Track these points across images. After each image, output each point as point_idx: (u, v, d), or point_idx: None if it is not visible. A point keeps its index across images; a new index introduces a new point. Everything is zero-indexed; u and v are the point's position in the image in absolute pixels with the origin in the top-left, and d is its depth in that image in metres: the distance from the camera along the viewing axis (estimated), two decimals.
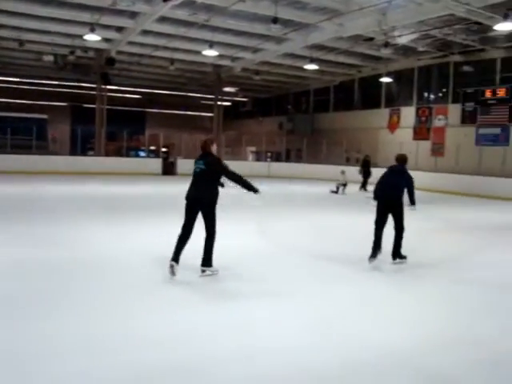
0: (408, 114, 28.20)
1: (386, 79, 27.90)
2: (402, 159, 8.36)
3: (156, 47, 24.93)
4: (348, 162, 28.73)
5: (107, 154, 30.40)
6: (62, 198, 16.16)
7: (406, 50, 24.72)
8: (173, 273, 6.40)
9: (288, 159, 34.68)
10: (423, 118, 27.28)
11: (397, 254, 7.99)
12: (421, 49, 23.77)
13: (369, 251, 7.68)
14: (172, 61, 26.84)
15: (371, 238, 7.72)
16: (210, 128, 36.08)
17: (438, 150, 26.26)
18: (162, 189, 20.99)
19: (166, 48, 24.81)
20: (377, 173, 19.82)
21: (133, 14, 19.98)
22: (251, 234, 10.23)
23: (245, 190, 7.00)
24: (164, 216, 12.29)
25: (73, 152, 32.10)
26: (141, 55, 27.19)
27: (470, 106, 24.68)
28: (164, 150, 32.12)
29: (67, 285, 6.14)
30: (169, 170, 29.03)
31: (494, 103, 23.52)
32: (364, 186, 21.80)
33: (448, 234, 11.53)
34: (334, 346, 4.61)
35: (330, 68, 29.15)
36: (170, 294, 6.00)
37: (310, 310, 5.60)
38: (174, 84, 36.62)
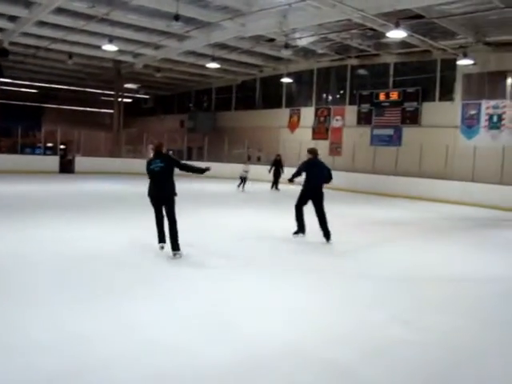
0: (307, 114, 29.02)
1: (286, 80, 28.49)
2: (316, 152, 10.70)
3: (53, 40, 23.97)
4: (249, 160, 29.08)
5: (0, 151, 28.91)
6: None
7: (306, 52, 25.43)
8: (162, 248, 8.00)
9: (190, 157, 34.56)
10: (322, 119, 28.17)
11: (327, 234, 9.80)
12: (320, 51, 24.55)
13: (250, 250, 8.45)
14: (70, 55, 25.95)
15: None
16: (110, 125, 35.22)
17: (335, 149, 27.22)
18: (59, 187, 20.26)
19: (64, 41, 23.92)
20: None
21: (27, 3, 19.03)
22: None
23: (197, 174, 8.58)
24: (62, 216, 11.95)
25: None
26: (37, 47, 26.02)
27: (365, 107, 25.78)
28: (62, 147, 30.99)
29: None
30: (66, 167, 28.05)
31: (388, 105, 24.71)
32: (275, 184, 22.16)
33: (341, 229, 11.96)
34: (230, 341, 4.70)
35: (232, 67, 29.38)
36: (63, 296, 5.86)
37: (197, 306, 5.67)
38: (72, 79, 35.40)
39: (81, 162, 28.24)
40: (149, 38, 23.12)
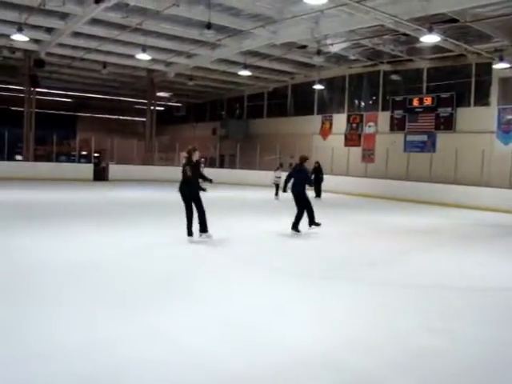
0: (340, 120, 28.86)
1: (318, 86, 28.41)
2: (304, 159, 11.79)
3: (88, 50, 24.40)
4: (282, 166, 29.01)
5: (36, 159, 29.48)
6: None
7: (338, 58, 25.32)
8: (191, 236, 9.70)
9: (222, 165, 34.69)
10: (354, 125, 27.99)
11: (312, 222, 11.70)
12: (352, 57, 24.40)
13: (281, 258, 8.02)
14: (104, 64, 26.36)
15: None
16: (142, 133, 35.60)
17: (368, 156, 26.99)
18: (93, 195, 20.52)
19: (98, 51, 24.33)
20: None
21: (63, 15, 19.47)
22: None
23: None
24: (94, 222, 12.09)
25: None
26: (72, 58, 26.54)
27: (398, 113, 25.50)
28: (96, 155, 31.45)
29: None
30: (100, 175, 28.42)
31: (421, 111, 24.40)
32: (319, 193, 21.80)
33: (374, 237, 11.83)
34: (256, 348, 4.64)
35: (263, 74, 29.43)
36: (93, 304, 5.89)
37: (234, 314, 5.64)
38: (106, 88, 35.97)
39: (114, 169, 28.57)
40: (181, 46, 23.33)
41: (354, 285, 7.13)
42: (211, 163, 34.88)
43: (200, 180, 10.15)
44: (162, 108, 42.07)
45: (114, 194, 20.68)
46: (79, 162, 30.73)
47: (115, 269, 7.43)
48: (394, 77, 26.06)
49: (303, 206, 11.49)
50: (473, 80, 22.69)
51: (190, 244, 9.65)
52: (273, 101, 34.24)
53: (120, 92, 37.17)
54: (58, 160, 30.74)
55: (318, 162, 22.61)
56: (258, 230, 12.26)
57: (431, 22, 15.99)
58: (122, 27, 20.06)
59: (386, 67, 25.83)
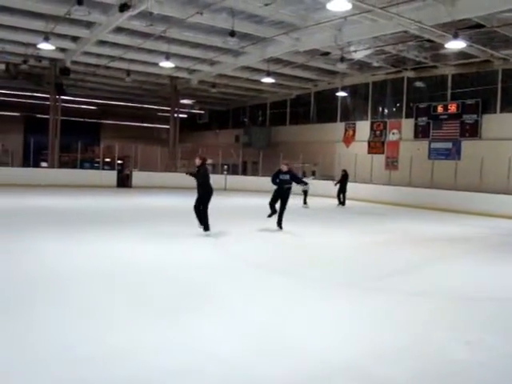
0: (363, 127, 28.69)
1: (341, 93, 28.31)
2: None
3: (112, 58, 24.65)
4: (304, 175, 28.91)
5: (61, 166, 29.83)
6: (12, 210, 15.74)
7: (361, 65, 25.20)
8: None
9: (244, 172, 34.70)
10: (378, 132, 27.80)
11: (279, 222, 12.90)
12: (375, 64, 24.25)
13: (323, 268, 7.86)
14: (128, 72, 26.59)
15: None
16: (166, 140, 35.78)
17: (392, 163, 26.76)
18: (116, 201, 20.66)
19: (122, 59, 24.56)
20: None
21: (88, 24, 19.69)
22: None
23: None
24: (118, 229, 12.14)
25: (25, 163, 31.38)
26: (97, 66, 26.84)
27: (422, 120, 25.26)
28: (119, 162, 31.71)
29: (15, 297, 5.94)
30: (124, 182, 28.65)
31: (446, 118, 24.14)
32: (343, 201, 21.60)
33: (399, 246, 11.67)
34: (283, 357, 4.58)
35: (286, 82, 29.41)
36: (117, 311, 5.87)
37: (260, 322, 5.57)
38: (130, 95, 36.29)
39: (138, 176, 28.77)
40: (204, 54, 23.43)
41: (382, 294, 7.02)
42: (234, 170, 34.91)
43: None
44: (185, 115, 42.30)
45: (137, 201, 20.79)
46: (103, 168, 31.00)
47: (138, 277, 7.41)
48: (418, 83, 25.85)
49: (284, 203, 12.98)
50: (499, 86, 22.38)
51: (214, 252, 9.65)
52: (296, 108, 34.20)
53: (143, 99, 37.48)
54: (82, 167, 31.07)
55: (345, 170, 22.33)
56: (283, 237, 12.21)
57: (456, 28, 15.81)
58: (145, 35, 20.21)
59: (409, 74, 25.61)
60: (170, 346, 4.67)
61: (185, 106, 38.29)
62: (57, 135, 29.39)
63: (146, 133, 43.10)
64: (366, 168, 26.27)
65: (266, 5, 16.22)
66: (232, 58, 24.23)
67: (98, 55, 24.55)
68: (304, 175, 22.13)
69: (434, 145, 24.73)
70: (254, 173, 33.09)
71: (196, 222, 11.46)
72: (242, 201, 23.34)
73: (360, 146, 28.40)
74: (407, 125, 26.23)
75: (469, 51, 19.97)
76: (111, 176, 28.75)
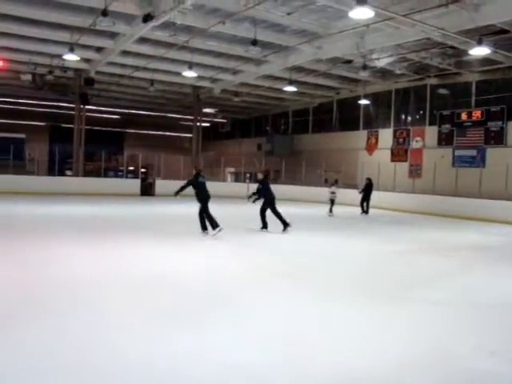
0: (386, 135, 28.53)
1: (363, 101, 28.21)
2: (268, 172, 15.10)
3: (136, 68, 24.92)
4: (326, 182, 28.84)
5: (86, 174, 30.18)
6: (38, 218, 15.96)
7: (384, 73, 25.11)
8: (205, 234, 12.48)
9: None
10: (401, 140, 27.62)
11: (285, 224, 13.84)
12: (398, 72, 24.12)
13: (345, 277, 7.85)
14: (152, 82, 26.83)
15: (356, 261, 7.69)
16: (189, 149, 36.02)
17: (415, 171, 26.54)
18: (140, 209, 20.83)
19: (145, 69, 24.80)
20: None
21: (113, 35, 19.98)
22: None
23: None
24: (141, 237, 12.23)
25: (51, 172, 31.80)
26: (120, 76, 27.16)
27: (446, 128, 25.03)
28: (143, 170, 31.97)
29: (45, 305, 6.02)
30: (147, 190, 28.88)
31: (470, 125, 23.89)
32: (364, 208, 21.49)
33: (422, 254, 11.55)
34: (307, 366, 4.56)
35: (308, 90, 29.41)
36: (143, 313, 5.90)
37: (285, 331, 5.56)
38: (153, 104, 36.62)
39: (161, 184, 28.96)
40: (227, 63, 23.56)
41: (404, 303, 6.96)
42: (256, 179, 34.89)
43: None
44: (208, 124, 42.52)
45: (160, 209, 20.90)
46: (126, 177, 31.30)
47: (162, 284, 7.45)
48: (442, 90, 25.64)
49: (273, 210, 13.97)
50: None
51: (238, 259, 9.68)
52: (318, 116, 34.14)
53: (166, 108, 37.74)
54: (106, 175, 31.42)
55: (369, 179, 22.07)
56: (306, 246, 12.18)
57: (480, 34, 15.68)
58: (169, 45, 20.41)
59: (433, 81, 25.44)
60: (191, 356, 4.68)
61: (207, 114, 38.49)
62: (81, 144, 29.76)
63: (169, 142, 43.41)
64: (389, 176, 26.09)
65: (289, 14, 16.30)
66: (254, 66, 24.33)
67: (122, 65, 24.85)
68: (326, 182, 21.95)
69: (458, 152, 24.47)
70: (277, 181, 33.04)
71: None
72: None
73: (383, 154, 28.24)
74: (430, 132, 26.01)
75: (493, 57, 19.77)
76: (135, 184, 29.03)
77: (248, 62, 23.12)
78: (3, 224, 14.05)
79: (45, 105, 36.41)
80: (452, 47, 18.82)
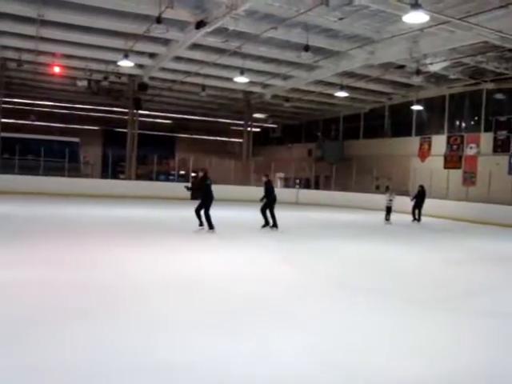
0: (439, 142, 27.94)
1: (416, 107, 27.74)
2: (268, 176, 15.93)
3: (188, 73, 25.25)
4: (377, 189, 28.48)
5: (137, 178, 30.74)
6: (94, 220, 16.34)
7: (438, 78, 24.62)
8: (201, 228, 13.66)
9: (317, 186, 34.51)
10: (455, 147, 26.99)
11: (275, 225, 14.83)
12: (452, 76, 23.60)
13: (405, 286, 8.11)
14: (203, 87, 27.13)
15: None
16: (239, 154, 36.23)
17: (469, 178, 25.87)
18: (189, 213, 20.99)
19: (197, 74, 25.09)
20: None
21: (166, 41, 20.31)
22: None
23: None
24: (190, 241, 12.34)
25: (104, 175, 32.57)
26: (173, 81, 27.58)
27: (502, 134, 24.33)
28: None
29: (110, 304, 6.13)
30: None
31: None
32: (419, 217, 20.99)
33: (475, 264, 11.24)
34: (352, 376, 4.48)
35: (360, 95, 29.15)
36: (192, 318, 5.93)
37: (334, 340, 5.48)
38: (204, 110, 36.99)
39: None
40: (278, 68, 23.59)
41: (453, 314, 6.74)
42: (306, 185, 34.82)
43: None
44: (259, 129, 42.65)
45: (211, 213, 20.98)
46: (177, 181, 31.71)
47: (214, 288, 7.45)
48: (498, 96, 24.90)
49: (272, 210, 14.86)
50: None
51: (290, 265, 9.64)
52: (369, 122, 33.76)
53: (217, 113, 38.06)
54: (157, 179, 31.91)
55: (422, 186, 21.49)
56: (354, 252, 12.04)
57: None
58: (221, 51, 20.60)
59: (489, 86, 24.76)
60: (245, 359, 4.67)
61: (258, 120, 38.62)
62: (134, 148, 30.35)
63: (220, 146, 43.75)
64: (442, 183, 25.51)
65: (341, 19, 16.17)
66: (305, 72, 24.28)
67: (174, 71, 25.22)
68: (387, 189, 21.53)
69: None
70: (327, 187, 32.86)
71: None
72: (315, 215, 23.21)
73: (436, 161, 27.64)
74: (486, 139, 25.33)
75: None
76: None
77: (299, 67, 23.09)
78: (60, 226, 14.43)
79: (99, 109, 37.33)
80: (510, 50, 18.29)
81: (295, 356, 4.82)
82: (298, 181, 35.32)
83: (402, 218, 21.18)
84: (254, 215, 16.20)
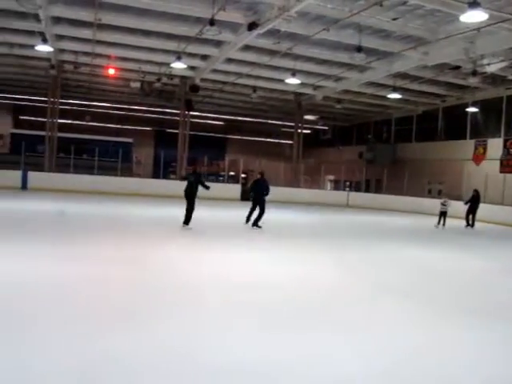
0: (495, 145, 27.10)
1: (471, 109, 27.03)
2: (263, 173, 15.89)
3: (239, 75, 25.37)
4: (430, 193, 27.90)
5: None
6: (150, 220, 16.76)
7: (495, 79, 23.89)
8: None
9: (368, 189, 34.06)
10: None
11: (256, 223, 14.81)
12: (511, 77, 22.89)
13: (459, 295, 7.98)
14: (254, 88, 27.19)
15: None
16: (289, 155, 36.15)
17: None
18: (240, 213, 21.07)
19: (248, 76, 25.19)
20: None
21: (218, 43, 20.47)
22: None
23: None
24: (239, 243, 12.36)
25: (155, 175, 33.06)
26: (224, 83, 27.76)
27: None
28: (243, 175, 32.46)
29: (153, 304, 6.18)
30: (247, 195, 29.17)
31: None
32: (469, 221, 20.31)
33: None
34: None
35: (413, 97, 28.63)
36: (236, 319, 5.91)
37: (378, 349, 5.36)
38: (255, 111, 37.08)
39: None
40: (330, 70, 23.43)
41: (488, 319, 6.53)
42: (356, 187, 34.42)
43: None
44: (309, 131, 42.45)
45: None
46: (227, 182, 31.91)
47: (262, 289, 7.44)
48: None
49: (261, 209, 14.84)
50: None
51: (339, 269, 9.53)
52: (422, 124, 33.07)
53: (268, 115, 38.09)
54: (208, 180, 32.12)
55: (476, 191, 20.77)
56: (406, 258, 11.81)
57: None
58: (272, 52, 20.60)
59: None
60: (293, 364, 4.61)
61: (308, 121, 38.46)
62: (185, 149, 30.68)
63: (270, 148, 43.74)
64: (498, 188, 24.75)
65: (394, 19, 15.94)
66: (357, 73, 24.02)
67: (226, 72, 25.40)
68: (439, 194, 21.06)
69: None
70: (378, 190, 32.39)
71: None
72: (366, 218, 22.93)
73: (491, 165, 26.83)
74: None
75: None
76: (235, 189, 29.50)
77: (351, 68, 22.85)
78: (116, 224, 14.80)
79: (151, 111, 37.95)
80: None
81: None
82: (348, 184, 34.96)
83: (454, 223, 20.66)
84: (299, 216, 16.10)
